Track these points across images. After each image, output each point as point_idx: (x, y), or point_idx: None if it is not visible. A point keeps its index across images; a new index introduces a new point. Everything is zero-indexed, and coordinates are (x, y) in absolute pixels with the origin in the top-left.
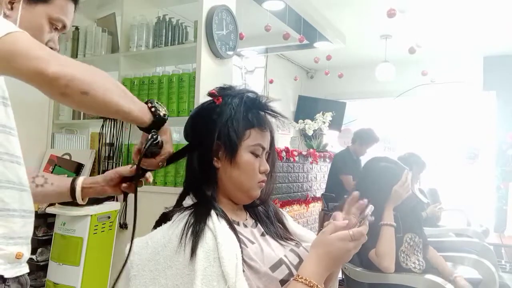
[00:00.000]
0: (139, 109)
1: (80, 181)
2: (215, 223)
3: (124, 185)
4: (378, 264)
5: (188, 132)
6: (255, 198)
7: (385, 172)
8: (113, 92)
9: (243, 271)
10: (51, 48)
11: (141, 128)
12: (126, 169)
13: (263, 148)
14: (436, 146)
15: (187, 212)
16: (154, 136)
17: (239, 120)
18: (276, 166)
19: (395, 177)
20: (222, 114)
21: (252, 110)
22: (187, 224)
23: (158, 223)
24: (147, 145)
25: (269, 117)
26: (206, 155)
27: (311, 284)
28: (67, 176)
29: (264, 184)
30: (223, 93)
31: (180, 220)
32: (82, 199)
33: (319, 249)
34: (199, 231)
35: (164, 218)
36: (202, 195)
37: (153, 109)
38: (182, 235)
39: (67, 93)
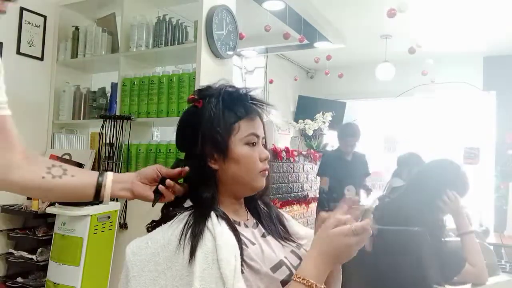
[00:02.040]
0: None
1: (109, 176)
2: (215, 225)
3: (162, 186)
4: (477, 277)
5: (179, 141)
6: (261, 189)
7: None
8: None
9: (243, 272)
10: None
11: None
12: (170, 171)
13: (257, 136)
14: (436, 146)
15: (187, 213)
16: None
17: (220, 119)
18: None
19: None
20: (204, 116)
21: (234, 104)
22: (186, 225)
23: (152, 228)
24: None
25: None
26: (201, 160)
27: (309, 284)
28: None
29: (267, 172)
30: (202, 95)
31: (180, 221)
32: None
33: (320, 245)
34: (198, 232)
35: (160, 222)
36: (202, 197)
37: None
38: (181, 236)
39: None
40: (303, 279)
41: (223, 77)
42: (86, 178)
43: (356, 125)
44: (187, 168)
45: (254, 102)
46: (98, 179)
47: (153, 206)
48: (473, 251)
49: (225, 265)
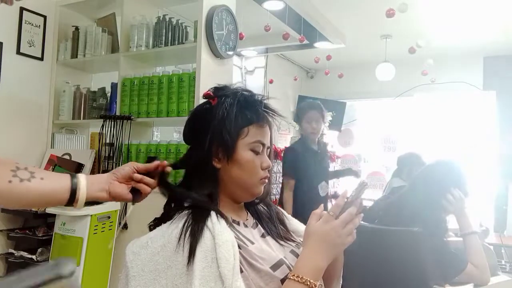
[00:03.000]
0: None
1: (82, 178)
2: (214, 224)
3: (141, 184)
4: (480, 277)
5: (186, 135)
6: (258, 195)
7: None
8: None
9: (242, 271)
10: None
11: None
12: (147, 165)
13: (263, 145)
14: (436, 146)
15: (186, 212)
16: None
17: (232, 119)
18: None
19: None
20: (216, 114)
21: (247, 108)
22: (186, 224)
23: (154, 225)
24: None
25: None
26: (205, 157)
27: (303, 280)
28: None
29: (267, 180)
30: (217, 94)
31: (179, 220)
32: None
33: (310, 241)
34: (197, 231)
35: (162, 220)
36: (202, 196)
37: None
38: (181, 234)
39: None
40: (297, 276)
41: (239, 81)
42: (57, 181)
43: (317, 102)
44: (165, 162)
45: (267, 110)
46: (72, 181)
47: (133, 204)
48: (476, 252)
49: (224, 264)
